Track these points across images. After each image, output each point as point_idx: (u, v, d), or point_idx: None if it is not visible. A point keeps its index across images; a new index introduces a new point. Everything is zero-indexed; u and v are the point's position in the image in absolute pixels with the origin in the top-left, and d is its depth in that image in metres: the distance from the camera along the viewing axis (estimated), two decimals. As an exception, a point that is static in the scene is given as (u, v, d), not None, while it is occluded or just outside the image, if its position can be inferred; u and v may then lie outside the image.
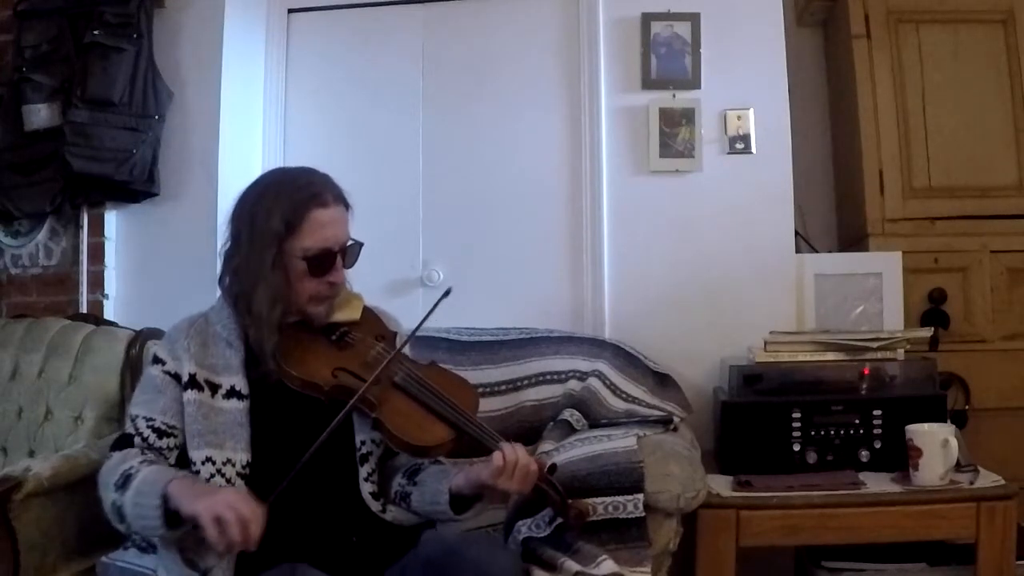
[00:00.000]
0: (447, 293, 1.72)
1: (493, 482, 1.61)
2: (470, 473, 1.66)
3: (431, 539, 1.63)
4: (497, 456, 1.60)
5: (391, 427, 1.64)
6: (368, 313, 1.85)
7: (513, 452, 1.61)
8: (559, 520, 1.77)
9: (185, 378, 1.67)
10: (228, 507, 1.43)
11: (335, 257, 1.71)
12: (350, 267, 1.76)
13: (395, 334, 1.86)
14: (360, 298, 1.83)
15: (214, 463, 1.62)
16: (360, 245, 1.77)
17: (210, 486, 1.57)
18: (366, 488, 1.72)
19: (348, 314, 1.78)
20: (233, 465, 1.63)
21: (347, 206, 1.76)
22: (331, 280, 1.72)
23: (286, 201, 1.68)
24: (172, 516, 1.50)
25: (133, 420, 1.68)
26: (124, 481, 1.55)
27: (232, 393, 1.68)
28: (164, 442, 1.65)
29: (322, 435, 1.56)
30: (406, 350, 1.80)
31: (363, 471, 1.73)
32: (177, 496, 1.49)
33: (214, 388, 1.68)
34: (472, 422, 1.70)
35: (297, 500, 1.60)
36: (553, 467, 1.75)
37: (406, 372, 1.74)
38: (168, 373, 1.69)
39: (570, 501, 1.72)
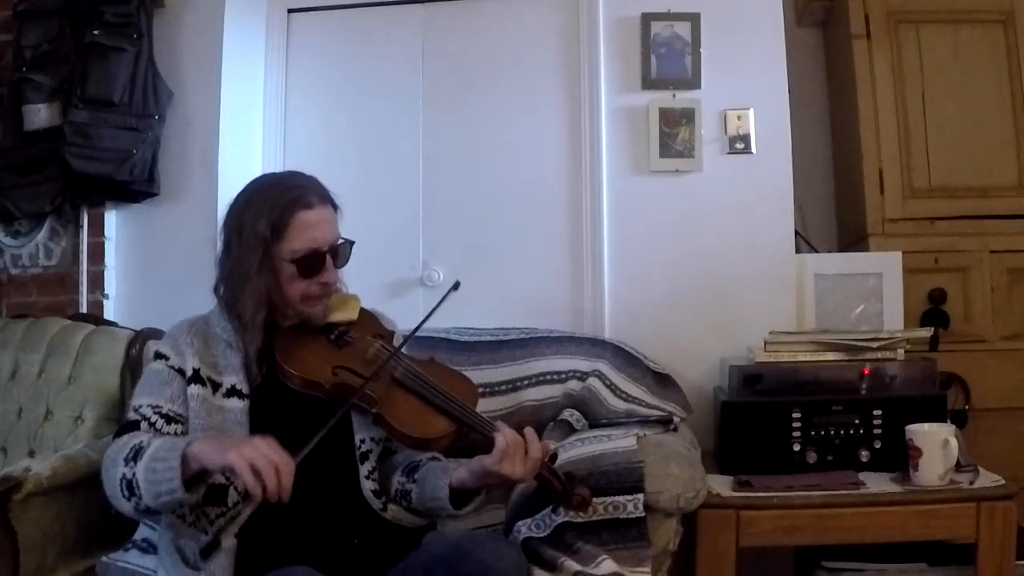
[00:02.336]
0: (455, 286, 1.75)
1: (498, 468, 1.61)
2: (473, 463, 1.67)
3: (435, 538, 1.64)
4: (499, 439, 1.61)
5: (392, 421, 1.66)
6: (365, 313, 1.87)
7: (514, 434, 1.62)
8: (562, 508, 1.78)
9: (189, 372, 1.69)
10: (261, 454, 1.43)
11: (324, 257, 1.72)
12: (341, 266, 1.78)
13: (392, 333, 1.88)
14: (357, 299, 1.85)
15: None
16: (351, 244, 1.78)
17: (235, 437, 1.56)
18: (367, 486, 1.72)
19: (346, 314, 1.80)
20: None
21: (335, 207, 1.77)
22: (322, 280, 1.73)
23: (271, 206, 1.70)
24: (189, 481, 1.49)
25: (138, 409, 1.68)
26: (135, 454, 1.54)
27: (233, 392, 1.69)
28: (172, 428, 1.65)
29: (333, 417, 1.57)
30: (404, 347, 1.81)
31: (363, 469, 1.73)
32: (201, 454, 1.48)
33: (215, 386, 1.69)
34: (472, 414, 1.72)
35: (298, 500, 1.59)
36: (554, 456, 1.76)
37: (405, 368, 1.75)
38: (173, 368, 1.70)
39: (572, 488, 1.72)
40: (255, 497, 1.44)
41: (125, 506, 1.57)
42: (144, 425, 1.65)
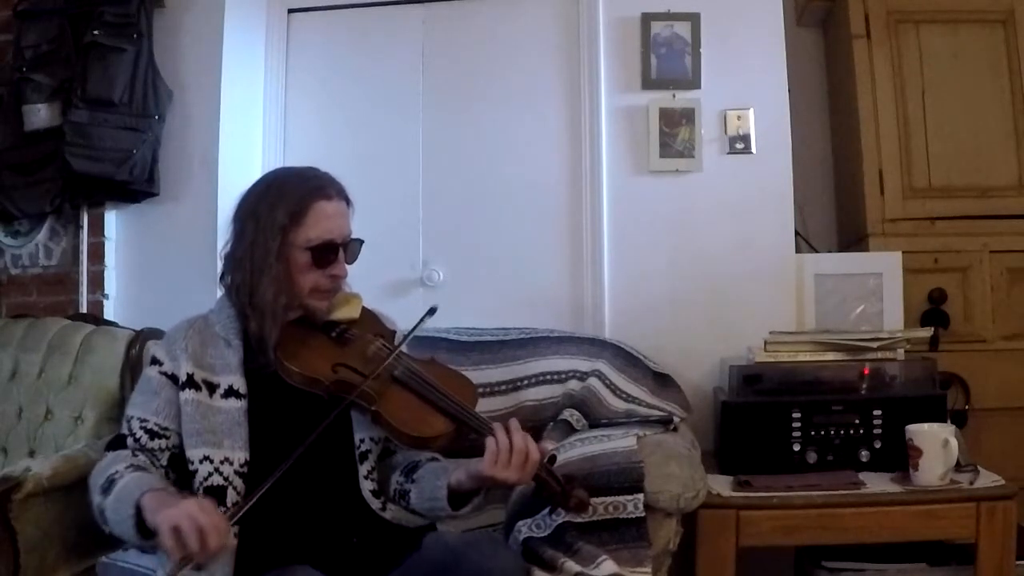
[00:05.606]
0: (431, 311, 1.76)
1: (491, 472, 1.60)
2: (470, 466, 1.67)
3: (433, 541, 1.63)
4: (490, 442, 1.61)
5: (391, 419, 1.66)
6: (367, 312, 1.87)
7: (505, 438, 1.61)
8: (559, 510, 1.78)
9: (183, 378, 1.68)
10: (187, 516, 1.39)
11: (338, 249, 1.74)
12: (351, 263, 1.79)
13: (393, 332, 1.88)
14: (359, 298, 1.85)
15: (212, 462, 1.63)
16: (360, 242, 1.80)
17: (177, 498, 1.51)
18: (366, 486, 1.72)
19: (347, 312, 1.81)
20: (231, 463, 1.64)
21: (348, 202, 1.79)
22: (334, 273, 1.74)
23: (290, 194, 1.72)
24: (145, 526, 1.49)
25: (128, 421, 1.69)
26: (108, 485, 1.56)
27: (230, 392, 1.69)
28: (156, 443, 1.67)
29: (311, 435, 1.57)
30: (404, 347, 1.81)
31: (363, 469, 1.73)
32: (146, 508, 1.47)
33: (212, 388, 1.69)
34: (471, 414, 1.72)
35: (298, 500, 1.60)
36: (553, 458, 1.75)
37: (405, 366, 1.75)
38: (165, 374, 1.70)
39: (570, 490, 1.72)
40: (174, 558, 1.40)
41: (104, 530, 1.60)
42: (130, 441, 1.66)
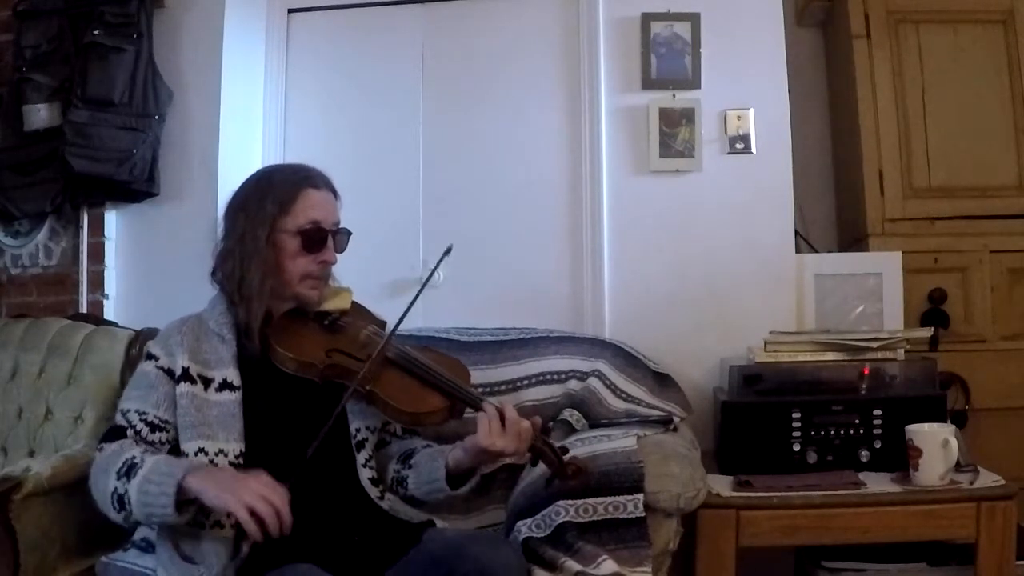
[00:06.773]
0: (448, 251, 1.77)
1: (487, 443, 1.63)
2: (467, 442, 1.69)
3: (434, 537, 1.64)
4: (481, 415, 1.65)
5: (385, 397, 1.68)
6: (357, 305, 1.90)
7: (495, 411, 1.65)
8: (560, 509, 1.78)
9: (178, 372, 1.71)
10: (260, 498, 1.47)
11: (327, 235, 1.78)
12: (340, 252, 1.83)
13: (383, 323, 1.91)
14: (349, 291, 1.89)
15: (206, 453, 1.65)
16: (349, 233, 1.84)
17: (231, 474, 1.58)
18: (364, 474, 1.74)
19: (338, 304, 1.85)
20: (226, 455, 1.65)
21: (336, 194, 1.85)
22: (323, 259, 1.78)
23: (279, 185, 1.78)
24: (181, 504, 1.53)
25: (125, 414, 1.70)
26: (128, 469, 1.57)
27: (224, 386, 1.71)
28: (156, 436, 1.68)
29: (331, 418, 1.60)
30: (395, 339, 1.83)
31: (360, 457, 1.76)
32: (198, 488, 1.52)
33: (207, 382, 1.71)
34: (465, 390, 1.75)
35: (297, 495, 1.60)
36: (548, 430, 1.76)
37: (398, 349, 1.78)
38: (161, 369, 1.72)
39: (566, 458, 1.73)
40: (256, 539, 1.48)
41: (115, 517, 1.61)
42: (130, 432, 1.68)
